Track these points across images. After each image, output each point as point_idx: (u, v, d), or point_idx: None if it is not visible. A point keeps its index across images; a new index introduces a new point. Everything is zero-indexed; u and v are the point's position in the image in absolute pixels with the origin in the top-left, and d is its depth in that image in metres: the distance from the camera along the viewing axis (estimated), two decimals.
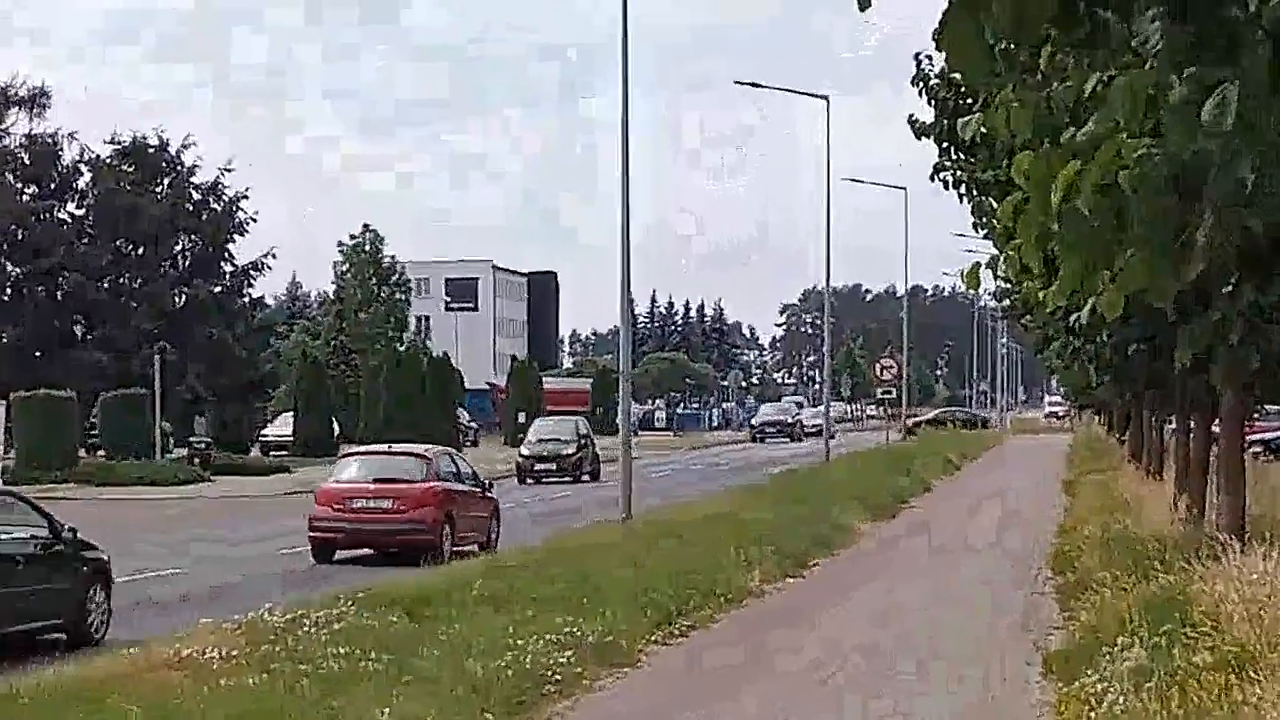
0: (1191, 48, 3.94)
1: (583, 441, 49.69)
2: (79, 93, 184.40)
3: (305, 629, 13.19)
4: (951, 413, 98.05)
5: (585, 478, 47.62)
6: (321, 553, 24.99)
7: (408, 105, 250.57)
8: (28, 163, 62.98)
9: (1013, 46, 4.70)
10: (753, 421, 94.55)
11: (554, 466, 48.06)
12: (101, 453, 50.13)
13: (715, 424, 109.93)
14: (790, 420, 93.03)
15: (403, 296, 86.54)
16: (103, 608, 17.13)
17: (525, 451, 49.31)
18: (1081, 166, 4.44)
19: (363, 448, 33.68)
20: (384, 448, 29.67)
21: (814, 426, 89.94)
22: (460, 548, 24.72)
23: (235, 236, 65.53)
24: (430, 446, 29.07)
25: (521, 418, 75.82)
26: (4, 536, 16.34)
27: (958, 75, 12.40)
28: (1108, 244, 4.58)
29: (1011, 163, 5.09)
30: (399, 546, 24.33)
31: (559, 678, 12.07)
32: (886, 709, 11.44)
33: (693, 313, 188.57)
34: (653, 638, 14.60)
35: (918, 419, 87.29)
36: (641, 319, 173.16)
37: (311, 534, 25.31)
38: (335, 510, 25.29)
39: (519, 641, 12.69)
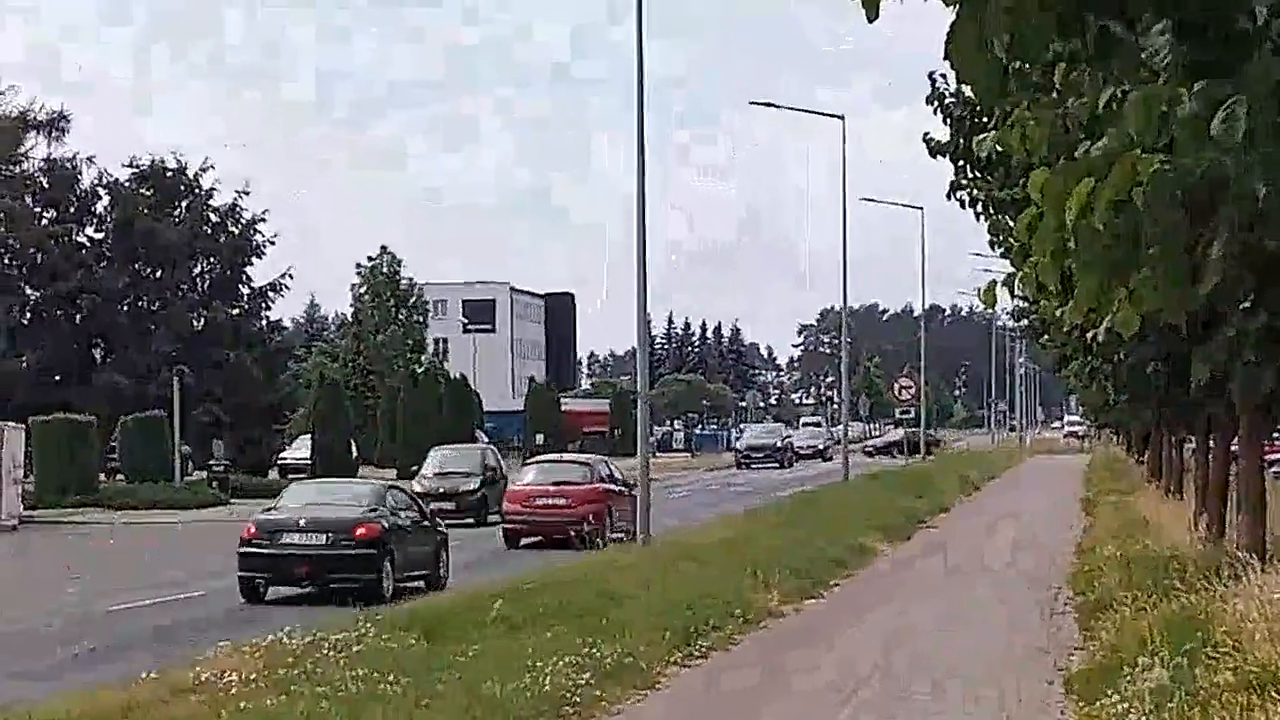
0: (1199, 61, 3.94)
1: (489, 475, 40.25)
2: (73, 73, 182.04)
3: (324, 651, 13.19)
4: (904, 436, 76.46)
5: (494, 518, 36.09)
6: (511, 540, 31.53)
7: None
8: (46, 186, 63.16)
9: (1025, 65, 4.69)
10: (737, 445, 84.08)
11: (452, 506, 36.70)
12: (121, 476, 50.20)
13: (733, 445, 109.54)
14: (779, 444, 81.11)
15: (420, 318, 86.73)
16: (446, 565, 24.22)
17: (418, 487, 36.58)
18: (1096, 184, 4.43)
19: (540, 457, 42.04)
20: (556, 457, 38.61)
21: (808, 448, 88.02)
22: (613, 535, 29.52)
23: (253, 259, 65.70)
24: (591, 456, 37.62)
25: (540, 439, 75.94)
26: (403, 518, 23.58)
27: (971, 93, 12.42)
28: (1123, 261, 4.57)
29: (1027, 180, 5.09)
30: (569, 534, 27.70)
31: (577, 699, 12.05)
32: None
33: (710, 334, 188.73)
34: (671, 659, 14.57)
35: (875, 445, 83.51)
36: (659, 340, 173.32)
37: (505, 525, 32.28)
38: (522, 507, 32.24)
39: (537, 663, 12.67)
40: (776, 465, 76.78)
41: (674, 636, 15.17)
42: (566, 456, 38.28)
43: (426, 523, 24.47)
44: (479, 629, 14.81)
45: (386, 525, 23.02)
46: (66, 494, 44.79)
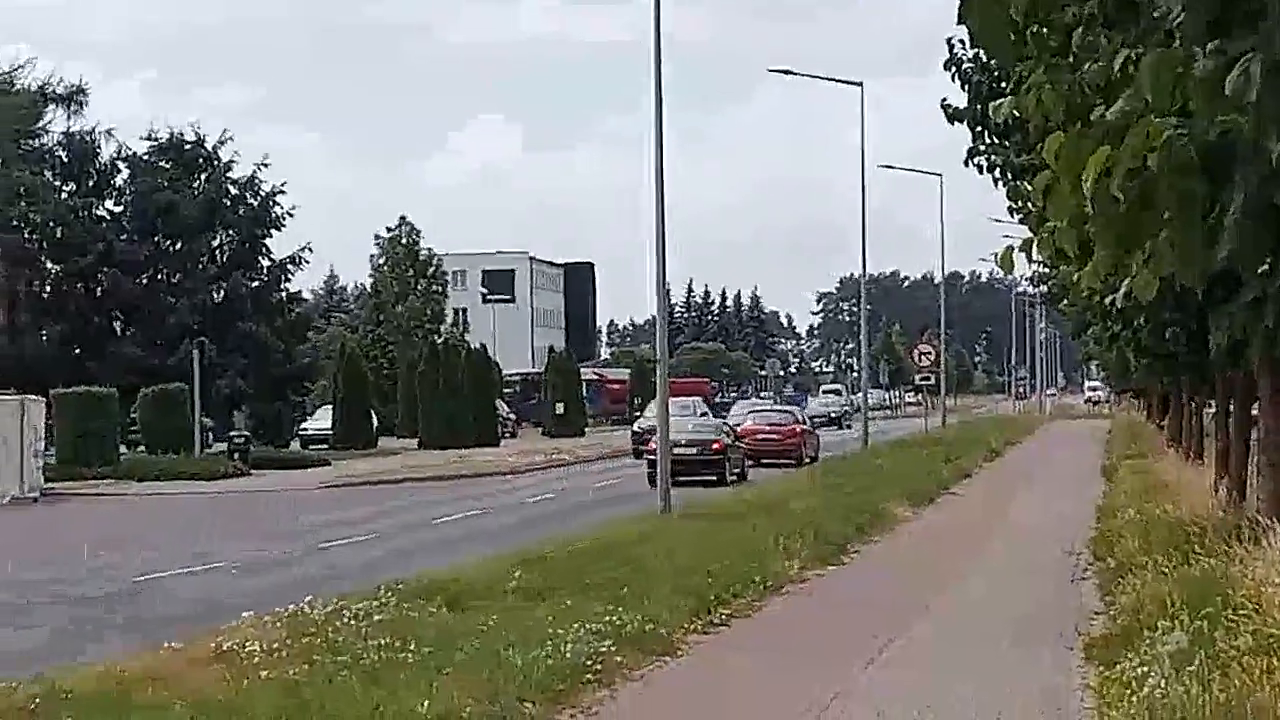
0: (1213, 22, 3.91)
1: None
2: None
3: (346, 621, 13.24)
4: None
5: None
6: (750, 457, 42.55)
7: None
8: (65, 160, 63.30)
9: (1041, 29, 4.68)
10: (636, 429, 75.03)
11: None
12: (141, 448, 50.35)
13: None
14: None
15: (440, 289, 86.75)
16: (739, 465, 39.97)
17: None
18: (1112, 150, 4.42)
19: (754, 406, 64.68)
20: (768, 405, 62.35)
21: (823, 416, 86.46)
22: (809, 458, 45.48)
23: (272, 231, 65.77)
24: (790, 406, 61.28)
25: (561, 409, 75.98)
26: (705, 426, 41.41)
27: (989, 58, 12.37)
28: (1139, 226, 4.56)
29: (1044, 145, 5.07)
30: (784, 457, 45.03)
31: (599, 667, 12.07)
32: (929, 694, 11.41)
33: (730, 302, 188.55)
34: (693, 626, 14.59)
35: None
36: (678, 309, 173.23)
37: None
38: (753, 438, 45.57)
39: (558, 631, 12.70)
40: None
41: (695, 604, 15.20)
42: (774, 405, 62.14)
43: (813, 429, 49.42)
44: (500, 598, 14.86)
45: (804, 430, 49.22)
46: (88, 466, 44.91)
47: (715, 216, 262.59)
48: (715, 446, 39.46)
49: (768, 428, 48.42)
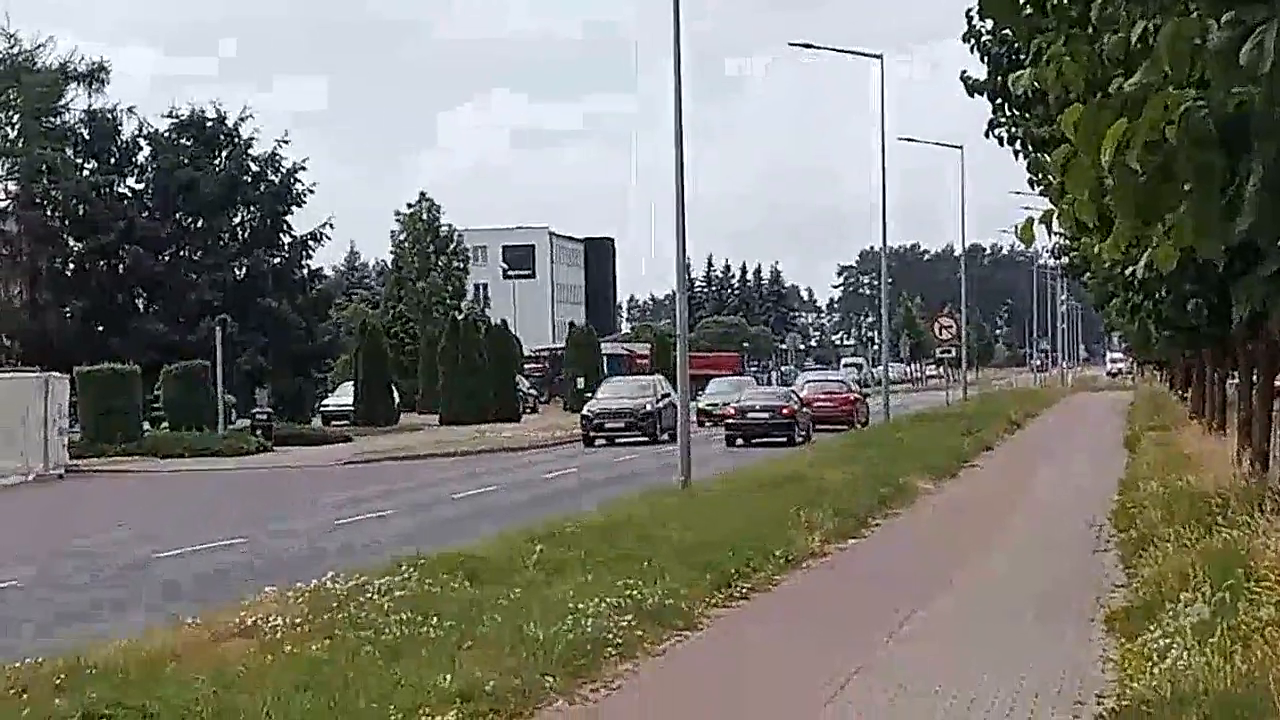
0: None
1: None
2: None
3: (368, 596, 13.28)
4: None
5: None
6: (814, 424, 47.04)
7: None
8: (87, 138, 63.41)
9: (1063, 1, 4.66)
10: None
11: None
12: (165, 425, 50.52)
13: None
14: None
15: (460, 265, 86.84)
16: (805, 428, 44.31)
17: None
18: (1130, 122, 4.40)
19: (811, 374, 75.04)
20: (824, 375, 68.70)
21: None
22: (861, 423, 50.05)
23: (293, 208, 65.86)
24: (844, 375, 66.57)
25: (581, 383, 76.05)
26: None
27: (998, 28, 12.32)
28: (1159, 199, 4.54)
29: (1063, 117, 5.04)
30: (839, 422, 49.02)
31: (619, 641, 12.10)
32: (950, 667, 11.42)
33: (750, 276, 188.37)
34: (713, 600, 14.62)
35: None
36: (699, 283, 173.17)
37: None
38: (813, 404, 49.99)
39: (579, 606, 12.73)
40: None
41: (715, 578, 15.22)
42: (830, 374, 74.33)
43: (865, 396, 57.08)
44: (521, 572, 14.88)
45: (858, 397, 55.28)
46: (111, 443, 45.09)
47: (731, 201, 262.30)
48: (785, 412, 45.50)
49: (824, 396, 53.87)
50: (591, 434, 47.25)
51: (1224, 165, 4.28)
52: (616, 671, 11.47)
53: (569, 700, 10.56)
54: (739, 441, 43.30)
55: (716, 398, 56.07)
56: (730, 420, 45.60)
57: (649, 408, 47.10)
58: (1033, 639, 12.62)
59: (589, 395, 55.72)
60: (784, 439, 42.79)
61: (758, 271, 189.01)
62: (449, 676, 10.32)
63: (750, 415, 45.05)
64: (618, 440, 46.47)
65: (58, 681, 10.34)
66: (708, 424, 52.41)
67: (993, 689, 10.63)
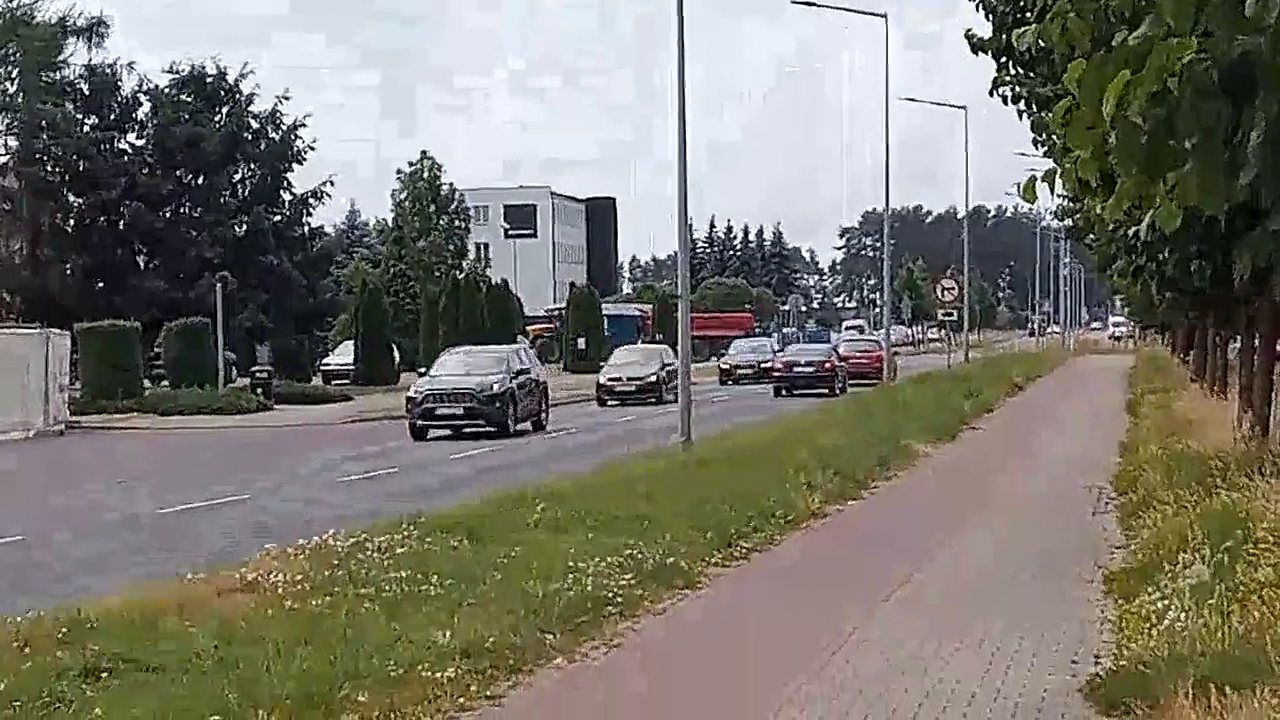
0: None
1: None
2: None
3: (368, 553, 13.30)
4: None
5: None
6: (776, 392, 51.36)
7: None
8: (87, 94, 63.26)
9: None
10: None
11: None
12: (165, 382, 50.54)
13: (775, 348, 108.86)
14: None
15: (461, 224, 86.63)
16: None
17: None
18: (1133, 75, 4.37)
19: (847, 335, 79.35)
20: (856, 335, 75.84)
21: None
22: (839, 387, 51.23)
23: (294, 165, 65.75)
24: (827, 345, 66.03)
25: (582, 344, 76.07)
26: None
27: None
28: (1162, 154, 4.52)
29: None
30: (870, 377, 52.67)
31: (620, 599, 12.12)
32: (947, 628, 11.44)
33: (752, 237, 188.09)
34: (713, 560, 14.63)
35: None
36: (700, 244, 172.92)
37: (774, 383, 53.21)
38: (786, 372, 53.10)
39: (579, 564, 12.75)
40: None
41: (715, 538, 15.23)
42: (862, 336, 77.94)
43: (881, 352, 55.96)
44: (521, 531, 14.90)
45: (882, 355, 55.44)
46: (111, 400, 45.12)
47: (732, 155, 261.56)
48: (826, 366, 53.19)
49: (859, 354, 60.12)
50: (604, 397, 49.06)
51: (1228, 116, 4.25)
52: (617, 630, 11.49)
53: (569, 658, 10.58)
54: (783, 392, 50.97)
55: (737, 357, 65.05)
56: (778, 373, 53.63)
57: (654, 378, 48.75)
58: (1032, 599, 12.64)
59: (602, 362, 56.74)
60: (826, 389, 49.48)
61: (760, 232, 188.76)
62: (449, 633, 10.33)
63: (796, 369, 53.12)
64: (628, 402, 47.95)
65: (60, 635, 10.36)
66: (729, 382, 61.15)
67: (989, 650, 10.65)
